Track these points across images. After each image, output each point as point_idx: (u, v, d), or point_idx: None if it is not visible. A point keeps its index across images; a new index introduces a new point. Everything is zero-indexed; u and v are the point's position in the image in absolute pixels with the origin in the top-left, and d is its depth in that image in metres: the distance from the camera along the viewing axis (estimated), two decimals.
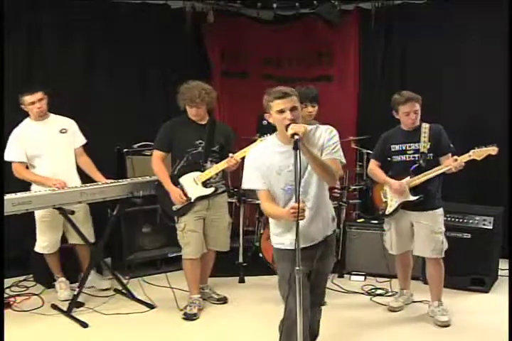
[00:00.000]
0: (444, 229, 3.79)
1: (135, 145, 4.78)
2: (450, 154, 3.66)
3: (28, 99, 3.98)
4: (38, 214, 4.04)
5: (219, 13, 5.36)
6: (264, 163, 2.73)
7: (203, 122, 3.92)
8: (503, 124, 4.76)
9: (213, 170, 3.83)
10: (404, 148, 3.76)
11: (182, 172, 3.86)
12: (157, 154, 3.90)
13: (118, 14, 5.08)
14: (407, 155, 3.75)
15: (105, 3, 5.01)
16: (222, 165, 3.80)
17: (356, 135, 5.33)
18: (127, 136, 4.92)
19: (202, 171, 3.83)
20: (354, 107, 5.63)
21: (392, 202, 3.82)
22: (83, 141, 4.27)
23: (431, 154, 3.70)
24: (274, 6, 5.40)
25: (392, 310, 3.97)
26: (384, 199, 3.89)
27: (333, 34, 5.59)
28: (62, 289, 4.24)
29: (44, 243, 4.14)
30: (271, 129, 3.56)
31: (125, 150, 4.73)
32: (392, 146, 3.80)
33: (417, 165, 3.69)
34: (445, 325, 3.74)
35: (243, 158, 3.44)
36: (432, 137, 3.69)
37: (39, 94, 4.00)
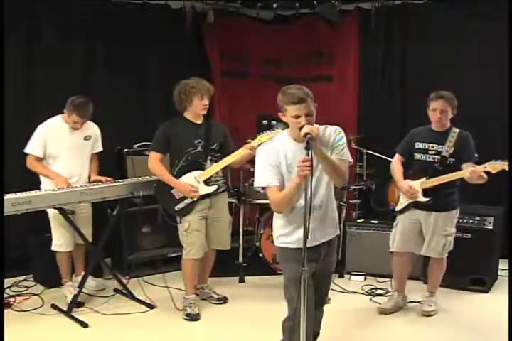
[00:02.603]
0: (453, 231, 3.78)
1: (135, 145, 4.79)
2: (473, 162, 3.58)
3: (75, 118, 3.98)
4: (51, 212, 4.02)
5: (219, 13, 5.36)
6: (276, 158, 2.72)
7: (199, 122, 3.92)
8: (503, 124, 4.76)
9: (218, 165, 3.83)
10: (426, 147, 3.72)
11: (183, 172, 3.85)
12: (154, 155, 3.87)
13: (118, 14, 5.08)
14: (427, 155, 3.71)
15: (105, 3, 5.01)
16: (237, 154, 3.76)
17: (356, 135, 5.33)
18: (127, 136, 4.93)
19: (202, 170, 3.84)
20: (354, 107, 5.63)
21: (403, 200, 3.82)
22: (100, 148, 4.30)
23: (452, 159, 3.64)
24: (274, 6, 5.40)
25: (382, 312, 3.94)
26: (397, 196, 3.89)
27: (333, 34, 5.59)
28: (72, 294, 4.10)
29: (59, 240, 4.11)
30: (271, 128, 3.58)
31: (125, 150, 4.74)
32: (416, 143, 3.77)
33: (434, 167, 3.66)
34: (426, 314, 3.86)
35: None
36: (457, 142, 3.64)
37: (87, 119, 4.05)
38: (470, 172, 3.45)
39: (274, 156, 2.73)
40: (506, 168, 3.42)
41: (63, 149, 4.05)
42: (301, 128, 2.57)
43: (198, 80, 3.86)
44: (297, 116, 2.61)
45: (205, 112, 3.90)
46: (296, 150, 2.68)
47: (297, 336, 2.56)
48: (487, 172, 3.44)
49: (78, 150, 4.13)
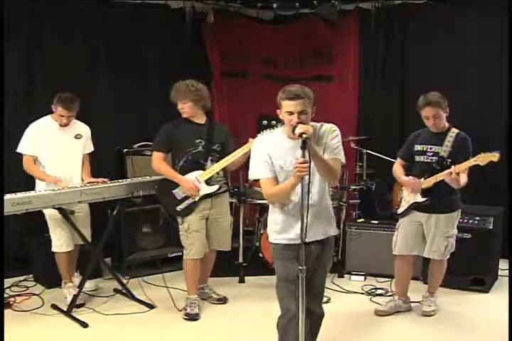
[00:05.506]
0: (454, 232, 3.77)
1: (135, 145, 4.79)
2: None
3: (60, 111, 3.96)
4: (47, 213, 4.00)
5: (219, 13, 5.37)
6: (269, 152, 2.74)
7: (201, 122, 3.92)
8: (503, 125, 4.76)
9: (219, 165, 3.83)
10: (425, 149, 3.71)
11: (183, 172, 3.84)
12: (158, 155, 3.88)
13: (118, 14, 5.08)
14: (425, 157, 3.71)
15: (105, 3, 5.01)
16: (237, 153, 3.78)
17: (356, 135, 5.34)
18: (127, 136, 4.93)
19: (203, 170, 3.84)
20: (354, 107, 5.63)
21: (405, 203, 3.82)
22: (91, 149, 4.27)
23: (449, 160, 3.63)
24: (274, 6, 5.41)
25: (377, 313, 3.93)
26: (399, 199, 3.89)
27: (333, 34, 5.60)
28: (72, 294, 4.05)
29: (59, 241, 4.08)
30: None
31: (125, 150, 4.74)
32: (415, 146, 3.77)
33: (433, 168, 3.65)
34: (426, 314, 3.88)
35: None
36: (455, 144, 3.63)
37: (72, 113, 4.00)
38: (448, 173, 3.46)
39: (267, 149, 2.74)
40: (494, 159, 3.38)
41: (54, 148, 4.01)
42: (294, 127, 2.57)
43: (180, 84, 3.87)
44: (290, 113, 2.62)
45: (186, 115, 3.87)
46: (288, 146, 2.70)
47: (291, 334, 2.58)
48: (477, 166, 3.43)
49: (69, 149, 4.09)
